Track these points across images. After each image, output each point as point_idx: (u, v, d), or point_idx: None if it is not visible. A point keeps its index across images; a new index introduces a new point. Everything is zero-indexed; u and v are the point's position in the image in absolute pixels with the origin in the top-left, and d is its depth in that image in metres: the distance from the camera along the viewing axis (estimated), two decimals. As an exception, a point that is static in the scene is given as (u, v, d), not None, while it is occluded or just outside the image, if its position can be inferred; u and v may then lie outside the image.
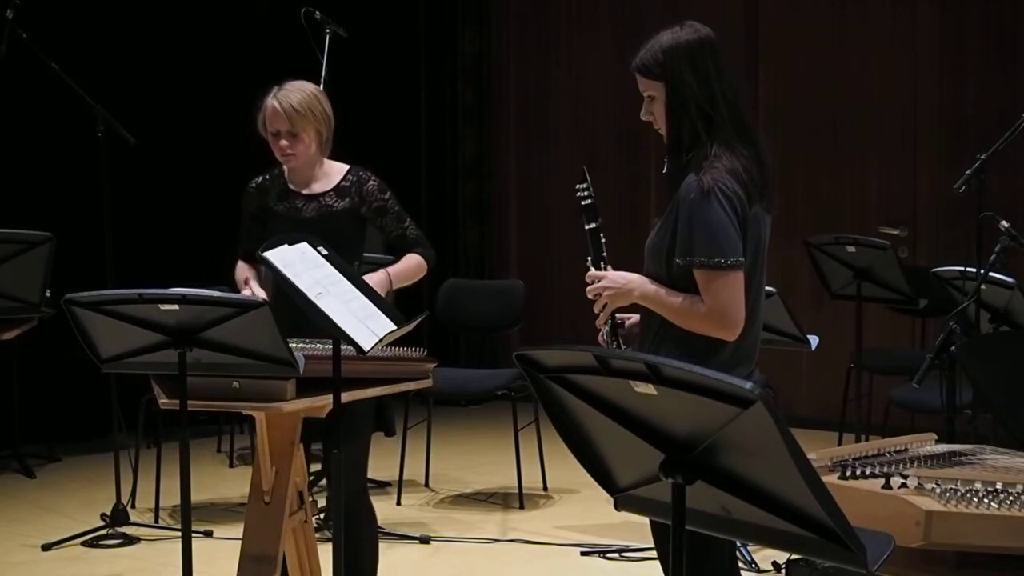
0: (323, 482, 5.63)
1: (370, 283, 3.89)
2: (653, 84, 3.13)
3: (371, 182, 4.26)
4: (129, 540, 5.65)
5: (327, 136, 4.22)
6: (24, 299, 5.09)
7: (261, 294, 4.06)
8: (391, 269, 4.18)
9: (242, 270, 4.32)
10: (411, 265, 4.25)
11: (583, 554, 5.52)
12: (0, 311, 5.10)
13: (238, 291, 4.16)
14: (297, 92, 4.16)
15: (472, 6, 9.32)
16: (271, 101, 4.15)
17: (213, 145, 7.81)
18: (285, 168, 4.26)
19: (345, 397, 3.62)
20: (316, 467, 5.24)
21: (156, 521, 5.95)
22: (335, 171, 4.28)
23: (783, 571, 4.92)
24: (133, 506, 6.04)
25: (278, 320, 3.44)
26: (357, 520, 4.16)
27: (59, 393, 7.25)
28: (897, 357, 6.81)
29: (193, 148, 7.79)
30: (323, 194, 4.23)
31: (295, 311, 3.61)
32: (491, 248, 9.38)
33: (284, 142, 4.14)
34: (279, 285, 3.66)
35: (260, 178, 4.32)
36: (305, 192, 4.24)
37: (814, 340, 5.18)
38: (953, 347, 3.98)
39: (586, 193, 3.26)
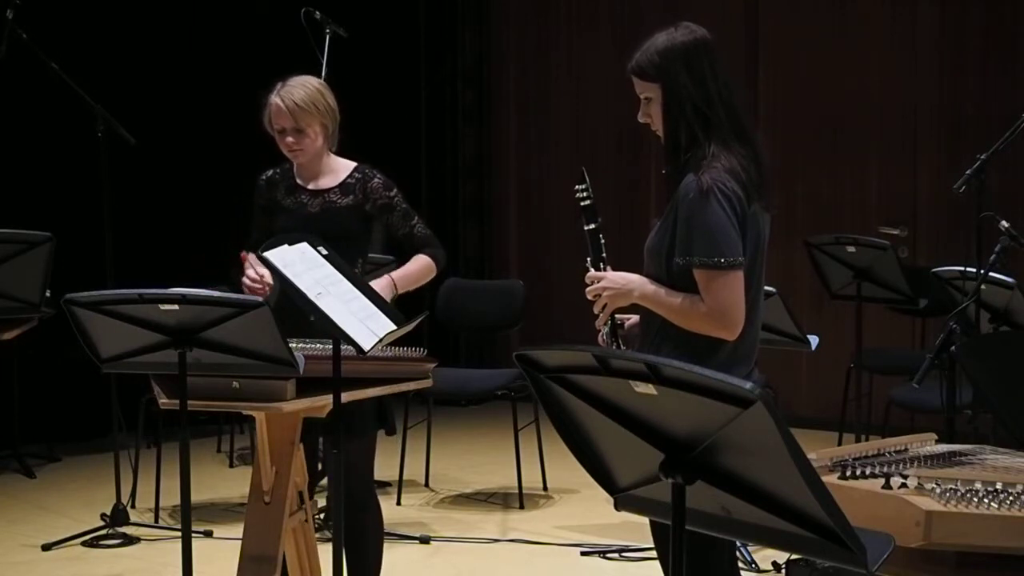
0: (324, 481, 5.62)
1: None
2: (649, 86, 3.13)
3: (376, 179, 4.24)
4: (129, 540, 5.65)
5: (333, 129, 4.21)
6: (24, 299, 5.09)
7: (265, 274, 4.01)
8: (395, 274, 4.14)
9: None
10: (418, 267, 4.21)
11: (583, 554, 5.53)
12: (0, 311, 5.09)
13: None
14: (300, 88, 4.15)
15: (472, 6, 9.32)
16: (275, 99, 4.14)
17: (213, 145, 7.82)
18: (294, 163, 4.27)
19: (345, 397, 3.62)
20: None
21: (156, 521, 5.95)
22: (342, 167, 4.27)
23: (783, 571, 4.92)
24: (133, 506, 6.04)
25: (283, 321, 3.44)
26: (363, 520, 4.16)
27: (59, 393, 7.25)
28: (897, 357, 6.80)
29: (193, 148, 7.79)
30: (328, 190, 4.22)
31: (298, 312, 3.60)
32: (491, 248, 9.38)
33: (290, 139, 4.14)
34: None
35: (271, 171, 4.32)
36: (311, 187, 4.23)
37: (814, 340, 5.18)
38: (953, 347, 3.98)
39: (585, 194, 3.26)
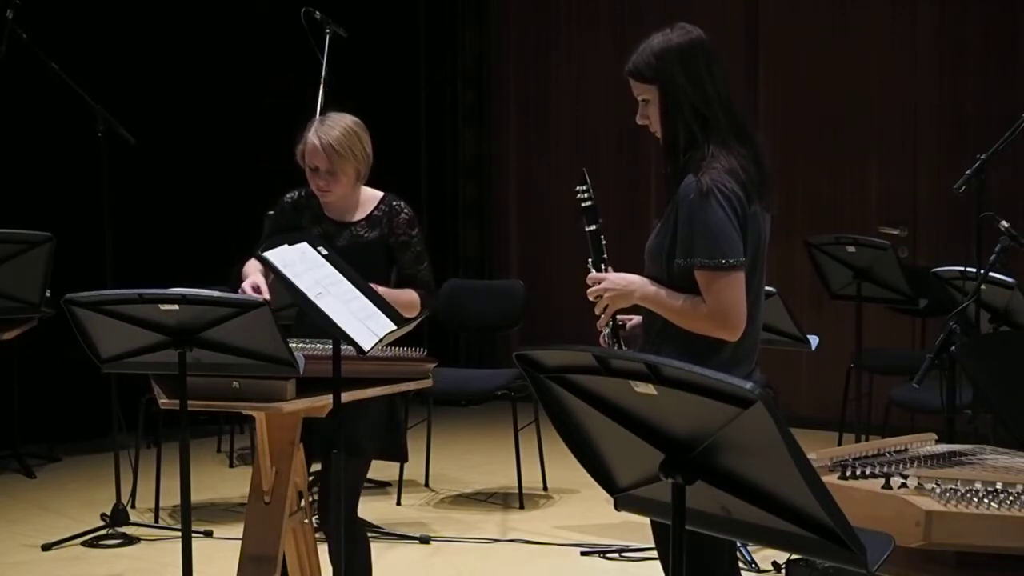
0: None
1: None
2: (646, 87, 3.13)
3: (403, 215, 4.19)
4: (129, 540, 5.65)
5: (364, 172, 4.15)
6: (24, 299, 5.09)
7: (264, 291, 3.98)
8: (384, 290, 4.04)
9: (252, 267, 4.25)
10: (405, 297, 4.13)
11: (583, 554, 5.53)
12: (0, 311, 5.09)
13: (241, 282, 4.10)
14: (339, 129, 4.07)
15: (472, 6, 9.32)
16: (312, 137, 4.06)
17: (213, 145, 7.82)
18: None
19: (345, 397, 3.62)
20: (316, 467, 5.25)
21: (156, 521, 5.95)
22: (369, 199, 4.21)
23: (783, 571, 4.92)
24: (133, 506, 6.04)
25: (302, 323, 3.41)
26: (352, 535, 4.12)
27: (59, 393, 7.25)
28: (897, 357, 6.80)
29: (193, 148, 7.79)
30: (355, 223, 4.17)
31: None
32: (491, 248, 9.38)
33: (322, 182, 4.08)
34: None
35: (295, 194, 4.25)
36: (338, 220, 4.18)
37: (814, 340, 5.18)
38: (953, 347, 3.98)
39: (586, 195, 3.26)
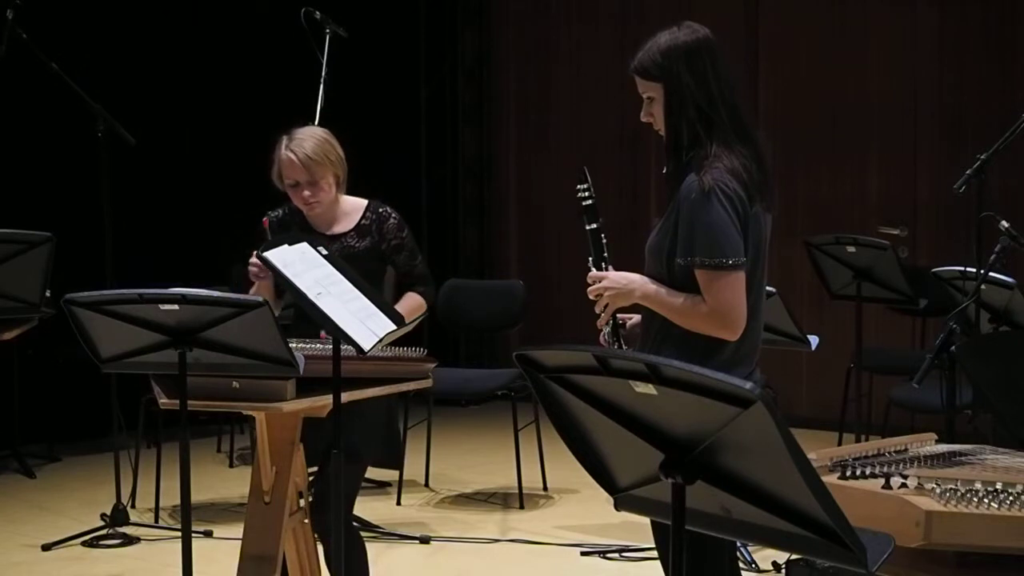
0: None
1: None
2: (652, 85, 3.13)
3: (391, 220, 4.21)
4: (129, 540, 5.65)
5: (343, 177, 4.16)
6: (24, 299, 5.08)
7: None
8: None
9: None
10: (413, 305, 4.19)
11: (583, 554, 5.52)
12: (0, 311, 5.09)
13: (248, 285, 4.09)
14: (310, 139, 4.08)
15: (472, 6, 9.33)
16: (286, 153, 4.07)
17: (213, 145, 7.82)
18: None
19: (345, 397, 3.61)
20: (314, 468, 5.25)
21: (156, 521, 5.95)
22: (354, 209, 4.21)
23: (783, 571, 4.92)
24: (133, 506, 6.04)
25: (303, 323, 3.41)
26: (349, 537, 4.11)
27: (59, 393, 7.25)
28: (897, 357, 6.80)
29: (193, 148, 7.79)
30: (345, 234, 4.17)
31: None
32: (491, 248, 9.38)
33: (307, 192, 4.07)
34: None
35: (279, 212, 4.24)
36: (327, 233, 4.17)
37: (814, 340, 5.18)
38: (953, 347, 3.98)
39: (587, 193, 3.26)
